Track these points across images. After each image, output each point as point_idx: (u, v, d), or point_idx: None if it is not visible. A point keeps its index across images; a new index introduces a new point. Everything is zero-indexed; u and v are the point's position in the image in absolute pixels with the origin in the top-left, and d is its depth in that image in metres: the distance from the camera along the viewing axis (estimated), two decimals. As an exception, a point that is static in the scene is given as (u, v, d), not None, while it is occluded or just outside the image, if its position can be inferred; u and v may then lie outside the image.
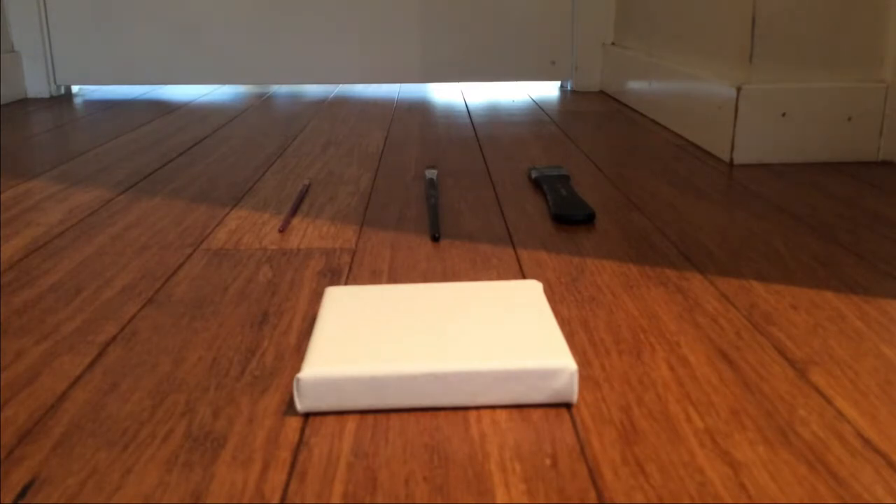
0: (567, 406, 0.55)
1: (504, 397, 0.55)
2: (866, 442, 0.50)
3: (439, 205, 1.05)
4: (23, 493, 0.46)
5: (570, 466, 0.48)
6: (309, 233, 0.95)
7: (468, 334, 0.59)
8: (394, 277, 0.80)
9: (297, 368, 0.61)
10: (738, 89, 1.27)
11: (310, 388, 0.54)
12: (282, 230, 0.96)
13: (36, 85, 2.10)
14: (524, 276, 0.80)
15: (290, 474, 0.48)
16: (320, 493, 0.46)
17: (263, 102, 2.00)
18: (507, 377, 0.54)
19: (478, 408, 0.55)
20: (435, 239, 0.92)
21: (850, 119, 1.29)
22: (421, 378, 0.54)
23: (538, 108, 1.89)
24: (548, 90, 2.18)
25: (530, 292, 0.67)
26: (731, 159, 1.30)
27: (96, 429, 0.53)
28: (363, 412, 0.55)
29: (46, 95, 2.11)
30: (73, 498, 0.46)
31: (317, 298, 0.75)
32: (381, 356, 0.56)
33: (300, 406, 0.54)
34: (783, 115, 1.28)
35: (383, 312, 0.63)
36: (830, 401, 0.55)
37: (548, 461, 0.49)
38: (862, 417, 0.53)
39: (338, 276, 0.81)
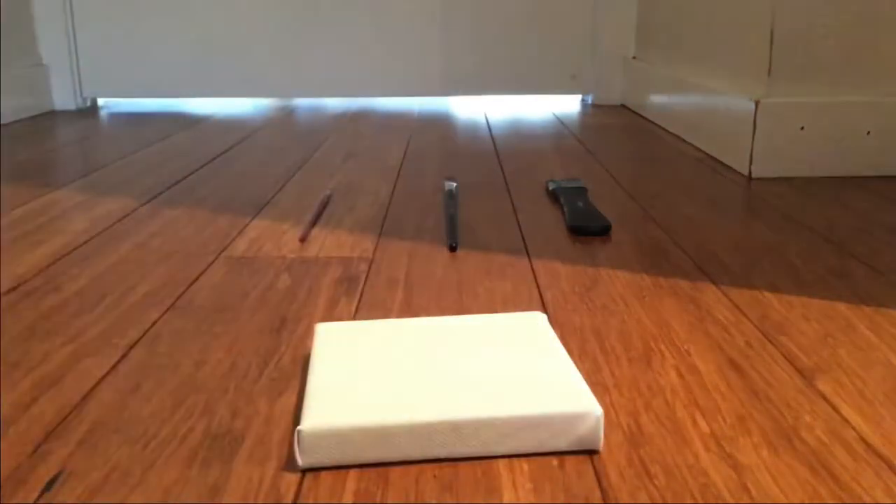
0: (592, 453, 0.52)
1: (525, 445, 0.51)
2: (869, 447, 0.51)
3: (457, 216, 1.07)
4: (49, 485, 0.48)
5: (576, 467, 0.49)
6: (328, 242, 0.97)
7: (480, 376, 0.55)
8: (410, 286, 0.82)
9: (314, 372, 0.63)
10: (757, 103, 1.28)
11: (312, 442, 0.49)
12: (302, 239, 0.98)
13: (63, 97, 2.14)
14: (538, 285, 0.81)
15: (304, 472, 0.50)
16: (333, 490, 0.48)
17: (285, 116, 2.03)
18: (529, 424, 0.50)
19: (494, 457, 0.51)
20: (452, 249, 0.93)
21: (868, 133, 1.30)
22: (436, 427, 0.50)
23: (558, 121, 1.91)
24: (569, 104, 2.20)
25: (536, 326, 0.63)
26: (750, 173, 1.30)
27: (119, 427, 0.55)
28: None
29: (73, 108, 2.15)
30: (97, 491, 0.48)
31: (334, 306, 0.77)
32: (389, 403, 0.52)
33: (301, 461, 0.50)
34: (802, 128, 1.29)
35: (383, 352, 0.59)
36: (836, 408, 0.56)
37: (555, 462, 0.50)
38: (866, 424, 0.54)
39: (355, 284, 0.83)
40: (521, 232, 1.01)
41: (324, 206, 1.13)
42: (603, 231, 0.99)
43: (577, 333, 0.70)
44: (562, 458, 0.51)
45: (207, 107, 2.18)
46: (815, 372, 0.62)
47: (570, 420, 0.51)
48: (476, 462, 0.50)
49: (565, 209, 1.07)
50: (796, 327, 0.71)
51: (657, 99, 1.85)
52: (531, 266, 0.88)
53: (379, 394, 0.53)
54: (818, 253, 0.92)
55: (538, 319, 0.65)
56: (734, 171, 1.35)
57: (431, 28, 2.14)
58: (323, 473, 0.49)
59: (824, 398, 0.58)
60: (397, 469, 0.50)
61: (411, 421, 0.50)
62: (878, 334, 0.69)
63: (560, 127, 1.83)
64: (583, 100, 2.26)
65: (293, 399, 0.59)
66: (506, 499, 0.46)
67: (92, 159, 1.49)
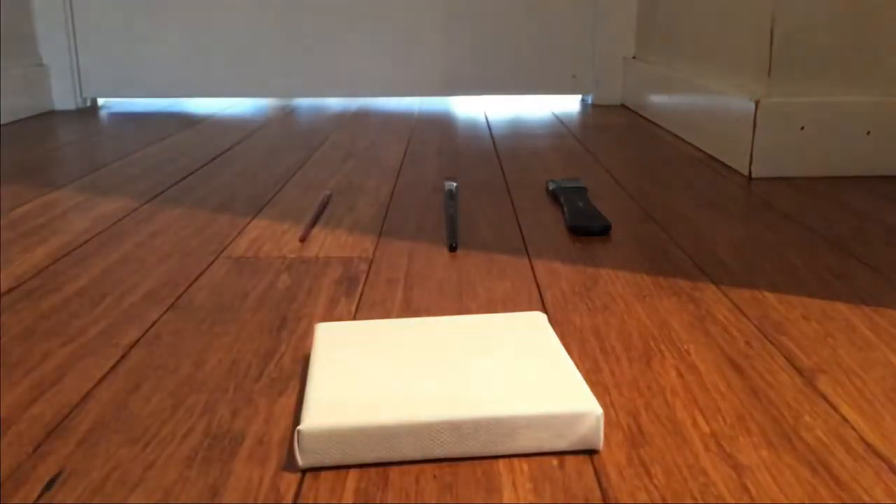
0: (592, 453, 0.52)
1: (525, 445, 0.51)
2: (869, 447, 0.51)
3: (457, 216, 1.07)
4: (49, 485, 0.48)
5: (576, 467, 0.50)
6: (328, 242, 0.97)
7: (480, 376, 0.55)
8: (410, 286, 0.82)
9: (314, 372, 0.63)
10: (757, 103, 1.28)
11: (312, 442, 0.49)
12: (302, 239, 0.98)
13: (63, 98, 2.14)
14: (538, 285, 0.81)
15: (304, 472, 0.50)
16: (333, 490, 0.48)
17: (286, 115, 2.03)
18: (529, 424, 0.50)
19: (494, 457, 0.51)
20: (452, 249, 0.93)
21: (868, 133, 1.30)
22: (436, 427, 0.50)
23: (558, 121, 1.91)
24: (569, 104, 2.20)
25: (537, 326, 0.63)
26: (750, 172, 1.31)
27: (119, 426, 0.55)
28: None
29: (73, 108, 2.15)
30: (97, 491, 0.48)
31: (334, 306, 0.77)
32: (389, 403, 0.52)
33: (301, 461, 0.50)
34: (801, 128, 1.29)
35: (383, 352, 0.59)
36: (836, 408, 0.56)
37: (555, 462, 0.50)
38: (866, 423, 0.54)
39: (355, 284, 0.83)
40: (521, 232, 1.01)
41: (324, 206, 1.13)
42: (603, 231, 1.00)
43: (577, 333, 0.70)
44: (562, 458, 0.51)
45: (207, 107, 2.18)
46: (815, 372, 0.62)
47: (570, 420, 0.51)
48: (476, 462, 0.50)
49: (565, 209, 1.07)
50: (796, 327, 0.71)
51: (657, 99, 1.85)
52: (531, 266, 0.88)
53: (379, 394, 0.53)
54: (817, 252, 0.92)
55: (538, 319, 0.64)
56: (734, 171, 1.35)
57: (432, 28, 2.14)
58: (323, 473, 0.49)
59: (824, 398, 0.58)
60: (397, 469, 0.50)
61: (411, 421, 0.50)
62: (878, 334, 0.69)
63: (560, 127, 1.83)
64: (583, 100, 2.26)
65: (293, 399, 0.59)
66: (506, 499, 0.46)
67: (92, 159, 1.49)
